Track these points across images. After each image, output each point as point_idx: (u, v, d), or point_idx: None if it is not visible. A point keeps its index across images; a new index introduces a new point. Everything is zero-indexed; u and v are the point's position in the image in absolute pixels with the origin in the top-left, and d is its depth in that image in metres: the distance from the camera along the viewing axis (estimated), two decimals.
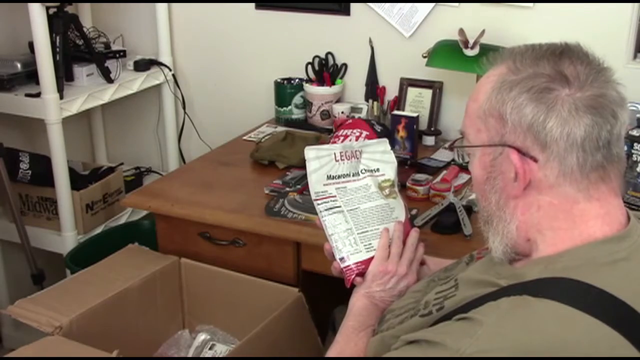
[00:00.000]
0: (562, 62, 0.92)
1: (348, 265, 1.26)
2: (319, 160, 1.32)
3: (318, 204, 1.30)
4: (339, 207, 1.29)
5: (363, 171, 1.34)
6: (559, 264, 0.90)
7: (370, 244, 1.27)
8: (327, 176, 1.32)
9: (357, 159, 1.34)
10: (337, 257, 1.27)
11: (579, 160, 0.90)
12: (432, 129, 2.27)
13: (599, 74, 0.92)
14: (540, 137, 0.90)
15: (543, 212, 0.94)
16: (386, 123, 2.20)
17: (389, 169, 1.35)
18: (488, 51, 2.04)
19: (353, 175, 1.33)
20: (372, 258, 1.26)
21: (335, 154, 1.33)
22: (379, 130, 2.02)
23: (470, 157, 1.02)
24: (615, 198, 0.95)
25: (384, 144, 1.38)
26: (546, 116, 0.89)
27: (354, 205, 1.30)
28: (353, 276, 1.25)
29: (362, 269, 1.26)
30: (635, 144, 1.63)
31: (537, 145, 0.91)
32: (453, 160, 2.05)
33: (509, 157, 0.93)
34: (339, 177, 1.32)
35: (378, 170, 1.35)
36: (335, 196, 1.30)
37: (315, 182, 1.31)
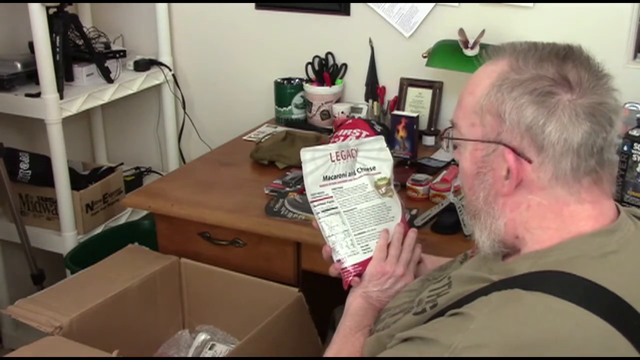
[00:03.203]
0: (565, 65, 0.92)
1: (345, 268, 1.26)
2: (315, 162, 1.31)
3: (314, 206, 1.30)
4: (336, 208, 1.29)
5: (359, 170, 1.33)
6: (549, 258, 0.91)
7: (367, 245, 1.27)
8: (324, 177, 1.31)
9: (353, 157, 1.33)
10: (335, 258, 1.27)
11: (572, 165, 0.91)
12: (432, 129, 2.27)
13: (600, 80, 0.92)
14: (537, 139, 0.90)
15: (532, 211, 0.94)
16: (386, 123, 2.20)
17: (385, 167, 1.35)
18: None
19: (349, 175, 1.33)
20: (369, 259, 1.26)
21: (331, 154, 1.32)
22: (378, 131, 2.02)
23: (459, 149, 1.02)
24: (607, 200, 0.96)
25: (380, 142, 1.37)
26: (546, 120, 0.90)
27: (351, 206, 1.30)
28: (350, 278, 1.26)
29: (360, 270, 1.26)
30: (635, 144, 1.63)
31: (534, 147, 0.91)
32: (453, 160, 2.05)
33: (503, 156, 0.93)
34: (335, 177, 1.32)
35: (374, 168, 1.34)
36: (331, 197, 1.30)
37: (312, 183, 1.31)
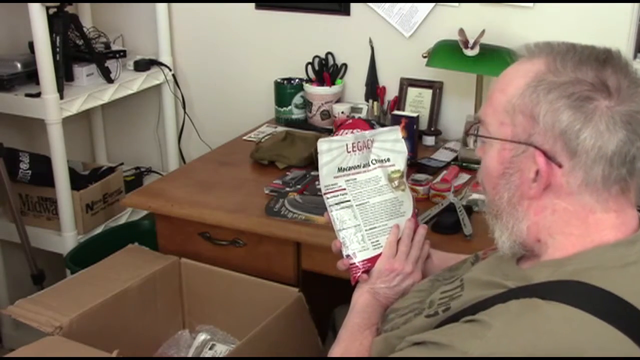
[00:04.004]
0: (605, 70, 0.90)
1: (354, 263, 1.25)
2: (331, 153, 1.29)
3: (327, 198, 1.28)
4: (348, 201, 1.28)
5: (373, 162, 1.32)
6: (568, 267, 0.90)
7: (377, 240, 1.26)
8: (338, 168, 1.30)
9: (369, 148, 1.32)
10: (344, 253, 1.26)
11: (604, 173, 0.89)
12: (432, 129, 2.27)
13: (639, 87, 0.90)
14: (571, 145, 0.89)
15: (557, 216, 0.93)
16: (386, 123, 2.20)
17: (399, 159, 1.33)
18: (488, 51, 2.04)
19: (363, 167, 1.31)
20: (378, 255, 1.25)
21: (347, 145, 1.30)
22: None
23: (485, 147, 1.00)
24: (631, 209, 0.95)
25: (395, 132, 1.35)
26: (582, 126, 0.88)
27: (363, 200, 1.29)
28: (359, 274, 1.25)
29: (369, 266, 1.25)
30: None
31: (566, 152, 0.89)
32: (453, 160, 2.05)
33: (533, 158, 0.91)
34: (350, 168, 1.30)
35: (388, 160, 1.33)
36: (344, 189, 1.29)
37: (326, 174, 1.29)
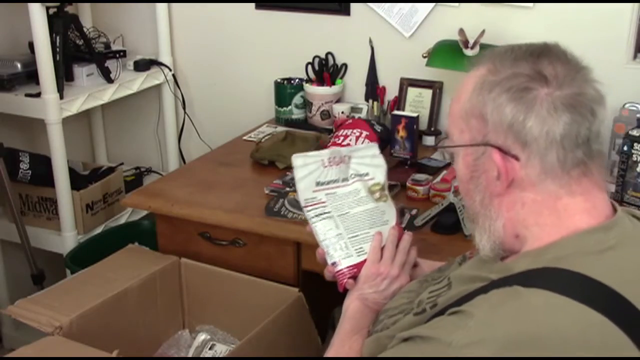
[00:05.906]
0: (540, 62, 0.93)
1: (340, 270, 1.26)
2: (307, 167, 1.31)
3: (307, 211, 1.30)
4: (329, 212, 1.29)
5: (352, 176, 1.33)
6: (547, 255, 0.91)
7: (361, 247, 1.27)
8: (317, 182, 1.31)
9: (346, 164, 1.33)
10: (329, 262, 1.27)
11: (559, 157, 0.91)
12: (432, 129, 2.27)
13: (578, 73, 0.93)
14: (520, 136, 0.92)
15: (528, 208, 0.95)
16: (386, 123, 2.20)
17: (378, 173, 1.34)
18: None
19: (342, 181, 1.32)
20: (364, 261, 1.26)
21: (323, 160, 1.32)
22: (378, 130, 2.03)
23: (455, 157, 1.03)
24: (600, 192, 0.97)
25: (373, 148, 1.37)
26: (526, 115, 0.91)
27: (344, 210, 1.30)
28: (345, 280, 1.26)
29: (355, 272, 1.26)
30: (635, 144, 1.63)
31: (518, 144, 0.92)
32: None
33: (491, 157, 0.94)
34: (329, 182, 1.32)
35: (367, 174, 1.34)
36: (324, 202, 1.30)
37: (304, 189, 1.31)
